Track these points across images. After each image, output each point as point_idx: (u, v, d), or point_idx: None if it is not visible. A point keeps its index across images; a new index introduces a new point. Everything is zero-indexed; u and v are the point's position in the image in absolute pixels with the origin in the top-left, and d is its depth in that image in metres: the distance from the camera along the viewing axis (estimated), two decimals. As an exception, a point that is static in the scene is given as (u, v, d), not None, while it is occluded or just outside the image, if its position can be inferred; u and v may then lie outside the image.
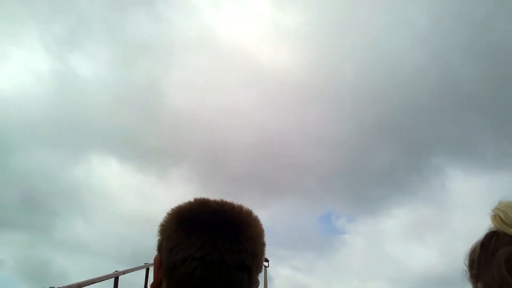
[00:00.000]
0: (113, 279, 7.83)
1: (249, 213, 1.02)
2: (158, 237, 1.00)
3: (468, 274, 1.12)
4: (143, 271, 9.06)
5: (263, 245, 1.01)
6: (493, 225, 1.06)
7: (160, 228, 1.00)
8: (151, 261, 1.04)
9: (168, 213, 1.01)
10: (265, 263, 32.95)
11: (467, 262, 1.12)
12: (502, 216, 1.06)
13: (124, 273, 8.19)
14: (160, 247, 0.98)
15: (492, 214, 1.08)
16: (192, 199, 1.03)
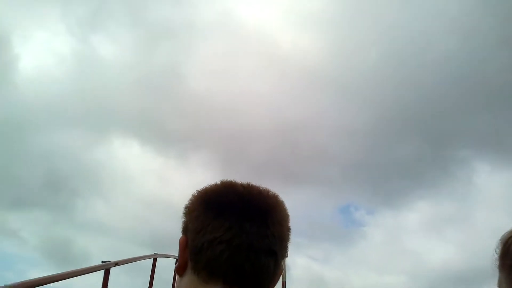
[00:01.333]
0: (151, 259, 8.21)
1: (275, 197, 1.00)
2: (183, 219, 0.99)
3: (499, 262, 1.07)
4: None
5: (289, 230, 0.99)
6: None
7: (186, 210, 0.99)
8: (175, 244, 1.01)
9: (193, 194, 1.00)
10: None
11: (499, 250, 1.08)
12: None
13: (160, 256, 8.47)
14: (185, 229, 0.97)
15: None
16: (218, 181, 1.01)
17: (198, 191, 1.00)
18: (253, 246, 0.89)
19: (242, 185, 0.99)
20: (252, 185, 1.00)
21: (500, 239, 1.09)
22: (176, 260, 1.01)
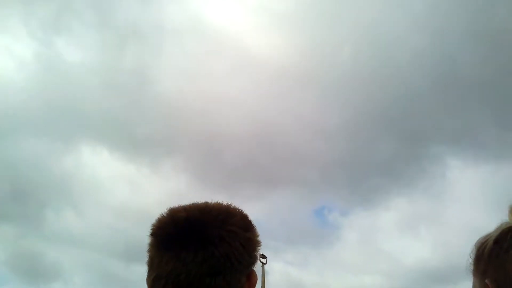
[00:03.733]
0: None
1: (222, 211, 0.97)
2: None
3: (473, 267, 1.09)
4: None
5: (245, 242, 0.96)
6: (509, 221, 1.04)
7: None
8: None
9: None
10: (263, 260, 32.16)
11: (473, 255, 1.09)
12: None
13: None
14: None
15: (510, 209, 1.05)
16: (164, 211, 1.00)
17: (151, 224, 0.99)
18: (191, 274, 0.88)
19: (184, 209, 0.97)
20: (195, 205, 0.98)
21: (475, 244, 1.08)
22: None
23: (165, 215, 0.97)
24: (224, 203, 1.01)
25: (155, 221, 0.98)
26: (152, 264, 0.93)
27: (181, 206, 0.98)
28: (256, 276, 0.98)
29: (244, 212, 1.02)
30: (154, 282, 0.91)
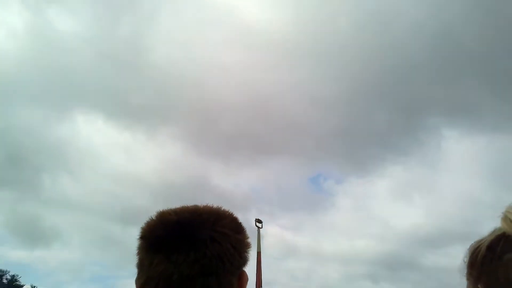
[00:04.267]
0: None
1: (213, 214, 0.98)
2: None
3: (466, 272, 1.09)
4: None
5: (237, 241, 0.97)
6: (502, 227, 1.03)
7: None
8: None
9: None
10: (259, 225, 33.25)
11: (466, 260, 1.09)
12: None
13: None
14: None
15: (503, 216, 1.03)
16: (154, 214, 0.99)
17: (140, 227, 0.98)
18: (183, 274, 0.88)
19: (174, 212, 0.97)
20: (185, 207, 0.98)
21: (468, 249, 1.09)
22: None
23: (154, 218, 0.98)
24: (215, 206, 1.02)
25: (144, 225, 0.98)
26: (142, 267, 0.94)
27: (170, 209, 0.99)
28: (246, 276, 0.99)
29: (234, 215, 1.03)
30: (145, 284, 0.91)
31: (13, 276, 63.94)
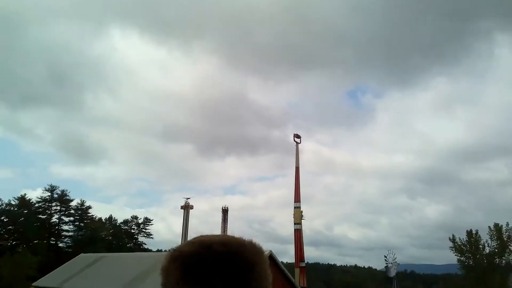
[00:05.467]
0: None
1: (257, 250, 0.99)
2: (162, 280, 0.96)
3: None
4: None
5: (271, 276, 1.00)
6: None
7: (163, 272, 0.96)
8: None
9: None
10: (297, 140, 59.79)
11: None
12: None
13: None
14: None
15: None
16: (193, 239, 0.98)
17: (174, 251, 0.97)
18: None
19: (221, 243, 0.94)
20: (231, 241, 0.96)
21: None
22: None
23: (197, 246, 0.95)
24: (246, 239, 0.99)
25: (182, 251, 0.96)
26: None
27: (210, 238, 0.97)
28: None
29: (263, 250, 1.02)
30: None
31: (63, 191, 72.28)
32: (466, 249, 53.70)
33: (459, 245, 54.17)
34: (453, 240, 54.43)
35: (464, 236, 54.24)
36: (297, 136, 73.54)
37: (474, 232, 54.92)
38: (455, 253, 54.02)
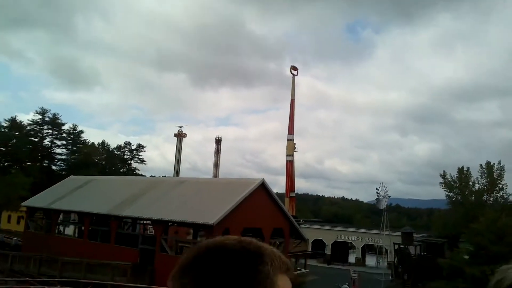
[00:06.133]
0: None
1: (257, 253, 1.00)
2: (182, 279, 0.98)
3: None
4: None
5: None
6: None
7: (186, 270, 0.98)
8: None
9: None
10: (294, 72, 58.98)
11: (493, 280, 1.19)
12: None
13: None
14: None
15: None
16: (205, 246, 1.01)
17: (209, 248, 0.99)
18: None
19: (237, 242, 0.99)
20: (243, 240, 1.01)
21: (497, 272, 1.20)
22: None
23: (202, 254, 0.98)
24: (259, 244, 1.02)
25: (184, 263, 0.99)
26: None
27: (214, 246, 1.00)
28: None
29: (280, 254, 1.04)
30: None
31: (54, 114, 72.07)
32: (456, 185, 54.66)
33: (449, 181, 55.04)
34: (443, 176, 55.17)
35: (454, 173, 54.97)
36: (294, 68, 72.51)
37: (465, 169, 55.51)
38: (444, 189, 55.03)
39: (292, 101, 70.90)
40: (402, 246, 50.86)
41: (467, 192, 53.64)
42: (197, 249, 1.02)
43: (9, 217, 53.69)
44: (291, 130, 69.23)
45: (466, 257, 29.40)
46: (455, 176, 54.55)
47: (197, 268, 0.97)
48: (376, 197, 44.64)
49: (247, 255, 0.99)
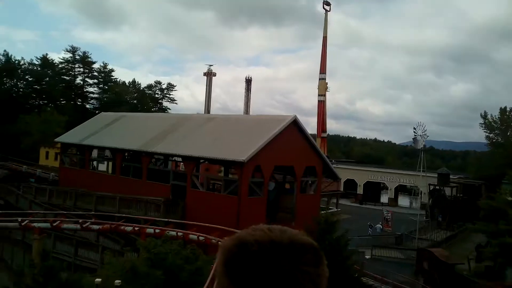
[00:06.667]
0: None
1: (296, 246, 0.94)
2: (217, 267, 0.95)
3: None
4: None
5: (317, 276, 0.95)
6: None
7: (222, 260, 0.94)
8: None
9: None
10: (326, 7, 56.09)
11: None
12: None
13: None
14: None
15: None
16: (234, 239, 0.95)
17: (238, 247, 0.93)
18: None
19: (256, 242, 0.92)
20: (267, 237, 0.93)
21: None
22: None
23: (233, 245, 0.93)
24: (296, 232, 0.96)
25: (225, 251, 0.93)
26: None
27: (251, 235, 0.93)
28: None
29: (315, 244, 0.96)
30: None
31: (84, 52, 71.21)
32: (497, 126, 52.08)
33: (490, 122, 52.42)
34: (484, 116, 52.47)
35: (496, 113, 52.16)
36: (327, 3, 68.27)
37: (508, 109, 52.41)
38: (485, 130, 52.53)
39: (325, 38, 67.59)
40: (437, 187, 49.68)
41: (509, 133, 51.21)
42: (246, 243, 0.92)
43: (47, 153, 55.16)
44: (323, 69, 66.56)
45: (510, 198, 27.97)
46: (497, 116, 51.85)
47: (252, 270, 0.90)
48: (411, 138, 42.96)
49: (310, 253, 0.94)
